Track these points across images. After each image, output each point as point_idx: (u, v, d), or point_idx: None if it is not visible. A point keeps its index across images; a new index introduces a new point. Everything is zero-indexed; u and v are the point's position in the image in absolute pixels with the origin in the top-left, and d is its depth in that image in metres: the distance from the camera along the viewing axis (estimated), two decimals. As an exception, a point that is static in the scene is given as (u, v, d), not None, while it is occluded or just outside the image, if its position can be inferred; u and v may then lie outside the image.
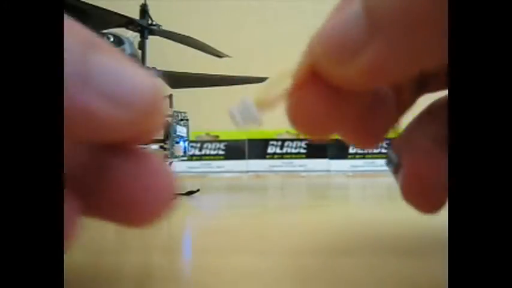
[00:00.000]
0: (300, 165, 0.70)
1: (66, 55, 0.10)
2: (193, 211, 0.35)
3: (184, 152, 0.39)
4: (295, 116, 0.15)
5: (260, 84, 0.15)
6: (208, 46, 0.43)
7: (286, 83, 0.14)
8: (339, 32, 0.13)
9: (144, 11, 0.39)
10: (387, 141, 0.18)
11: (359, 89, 0.14)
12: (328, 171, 0.70)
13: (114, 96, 0.11)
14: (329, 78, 0.13)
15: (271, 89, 0.14)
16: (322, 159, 0.70)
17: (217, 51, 0.44)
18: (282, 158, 0.69)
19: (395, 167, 0.17)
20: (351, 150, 0.69)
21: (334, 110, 0.14)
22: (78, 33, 0.11)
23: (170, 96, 0.40)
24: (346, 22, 0.13)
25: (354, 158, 0.69)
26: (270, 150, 0.70)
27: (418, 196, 0.16)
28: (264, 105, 0.14)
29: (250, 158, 0.70)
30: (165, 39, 0.41)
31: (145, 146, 0.38)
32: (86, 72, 0.11)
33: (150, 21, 0.39)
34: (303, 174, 0.69)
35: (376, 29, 0.12)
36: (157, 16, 0.40)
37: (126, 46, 0.68)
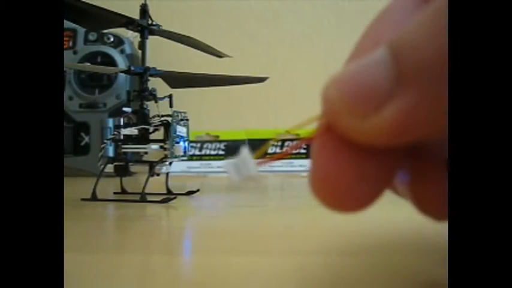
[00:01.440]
0: (300, 165, 0.69)
1: None
2: (193, 211, 0.35)
3: (184, 152, 0.39)
4: (318, 190, 0.12)
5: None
6: (209, 46, 0.43)
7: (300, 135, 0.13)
8: (362, 80, 0.11)
9: (144, 11, 0.39)
10: None
11: (382, 146, 0.12)
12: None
13: None
14: (348, 134, 0.12)
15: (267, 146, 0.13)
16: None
17: (217, 51, 0.44)
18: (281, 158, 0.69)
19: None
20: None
21: (363, 174, 0.12)
22: None
23: (170, 96, 0.40)
24: (370, 68, 0.11)
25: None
26: (270, 150, 0.70)
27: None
28: (261, 158, 0.13)
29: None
30: (165, 39, 0.41)
31: (146, 146, 0.38)
32: None
33: (150, 21, 0.39)
34: (303, 174, 0.69)
35: (406, 79, 0.11)
36: (157, 16, 0.40)
37: (126, 46, 0.68)
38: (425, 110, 0.11)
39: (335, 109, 0.12)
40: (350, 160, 0.12)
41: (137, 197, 0.36)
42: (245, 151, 0.13)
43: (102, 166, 0.38)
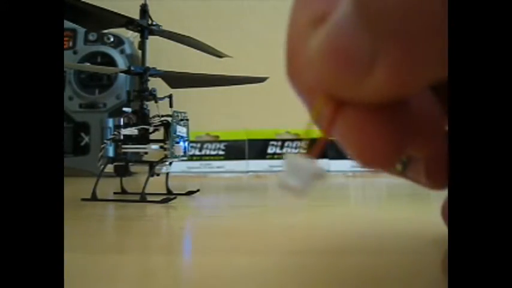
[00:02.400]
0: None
1: None
2: (193, 211, 0.35)
3: (184, 152, 0.39)
4: (362, 152, 0.12)
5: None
6: (209, 46, 0.43)
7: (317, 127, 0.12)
8: (341, 47, 0.11)
9: (144, 11, 0.39)
10: None
11: (384, 102, 0.12)
12: (328, 171, 0.70)
13: None
14: (353, 100, 0.12)
15: (307, 138, 0.12)
16: (322, 159, 0.70)
17: (218, 51, 0.44)
18: (282, 158, 0.69)
19: (404, 165, 0.16)
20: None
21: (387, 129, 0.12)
22: None
23: (170, 96, 0.40)
24: (343, 31, 0.11)
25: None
26: (270, 150, 0.70)
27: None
28: (310, 152, 0.12)
29: (250, 158, 0.70)
30: (165, 39, 0.41)
31: (146, 146, 0.38)
32: None
33: (150, 21, 0.39)
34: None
35: (380, 35, 0.10)
36: (157, 16, 0.40)
37: (126, 46, 0.68)
38: (415, 61, 0.10)
39: (330, 82, 0.11)
40: (378, 120, 0.12)
41: (137, 197, 0.36)
42: (290, 155, 0.11)
43: (102, 166, 0.38)
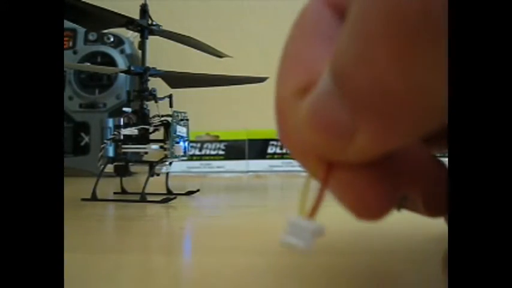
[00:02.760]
0: (300, 166, 0.70)
1: None
2: (193, 211, 0.35)
3: (184, 152, 0.39)
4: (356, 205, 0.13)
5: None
6: (209, 46, 0.43)
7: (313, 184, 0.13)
8: (324, 115, 0.12)
9: (144, 11, 0.39)
10: None
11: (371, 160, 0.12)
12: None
13: None
14: (341, 162, 0.12)
15: (305, 198, 0.13)
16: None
17: (217, 51, 0.44)
18: (282, 158, 0.69)
19: (401, 204, 0.17)
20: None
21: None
22: None
23: (170, 96, 0.40)
24: (325, 102, 0.12)
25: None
26: (270, 150, 0.70)
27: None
28: (309, 212, 0.13)
29: (250, 158, 0.70)
30: (165, 39, 0.41)
31: (146, 146, 0.38)
32: None
33: (150, 21, 0.39)
34: (304, 174, 0.69)
35: (358, 107, 0.11)
36: (157, 16, 0.40)
37: (126, 46, 0.68)
38: (394, 129, 0.11)
39: (317, 149, 0.12)
40: (369, 175, 0.13)
41: (137, 197, 0.36)
42: (291, 217, 0.12)
43: (102, 166, 0.38)
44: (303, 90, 0.13)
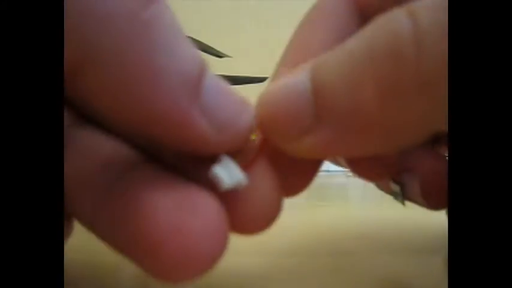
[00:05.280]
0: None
1: (183, 71, 0.11)
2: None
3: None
4: None
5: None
6: (209, 46, 0.43)
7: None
8: (287, 106, 0.12)
9: (144, 11, 0.39)
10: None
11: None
12: (328, 171, 0.70)
13: (217, 119, 0.11)
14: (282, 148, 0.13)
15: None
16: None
17: (218, 51, 0.44)
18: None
19: (403, 195, 0.17)
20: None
21: None
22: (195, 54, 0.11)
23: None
24: (294, 97, 0.12)
25: (354, 158, 0.69)
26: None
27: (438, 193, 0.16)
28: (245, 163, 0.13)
29: (250, 158, 0.69)
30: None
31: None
32: (198, 90, 0.11)
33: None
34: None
35: (322, 117, 0.12)
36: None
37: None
38: (341, 143, 0.12)
39: (267, 128, 0.13)
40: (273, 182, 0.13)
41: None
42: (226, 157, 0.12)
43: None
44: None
